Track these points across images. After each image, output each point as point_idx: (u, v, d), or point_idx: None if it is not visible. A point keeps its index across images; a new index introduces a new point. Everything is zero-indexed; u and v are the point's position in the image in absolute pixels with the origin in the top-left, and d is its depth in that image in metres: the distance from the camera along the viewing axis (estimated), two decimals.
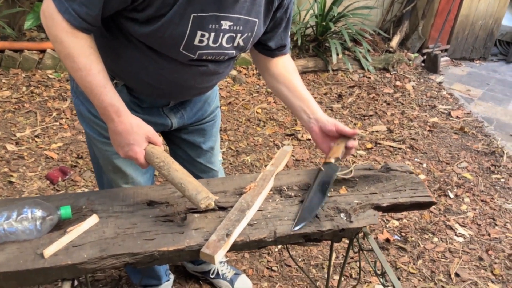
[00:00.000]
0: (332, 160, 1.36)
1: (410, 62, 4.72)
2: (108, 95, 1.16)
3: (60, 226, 1.15)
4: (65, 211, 1.16)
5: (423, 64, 4.72)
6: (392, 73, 4.49)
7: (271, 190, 1.35)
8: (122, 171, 1.49)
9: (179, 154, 1.66)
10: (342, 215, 1.27)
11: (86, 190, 2.55)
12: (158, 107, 1.43)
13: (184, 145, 1.63)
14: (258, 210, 1.26)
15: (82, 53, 1.13)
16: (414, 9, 4.97)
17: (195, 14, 1.13)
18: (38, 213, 1.11)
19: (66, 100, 3.35)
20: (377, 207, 1.33)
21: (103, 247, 1.10)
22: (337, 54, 4.29)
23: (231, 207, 1.25)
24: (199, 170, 1.69)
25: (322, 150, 1.42)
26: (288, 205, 1.29)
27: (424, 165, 3.13)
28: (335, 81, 4.28)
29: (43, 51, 3.72)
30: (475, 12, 4.83)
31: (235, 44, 1.27)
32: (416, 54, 4.84)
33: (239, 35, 1.25)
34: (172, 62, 1.24)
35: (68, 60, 1.14)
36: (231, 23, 1.21)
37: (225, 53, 1.28)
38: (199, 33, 1.17)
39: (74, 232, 1.13)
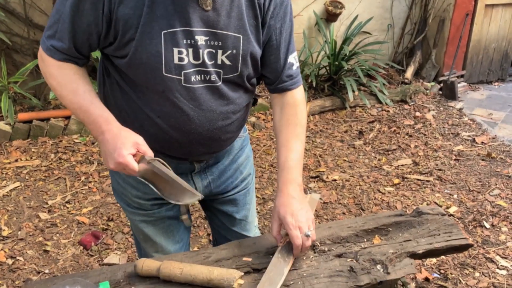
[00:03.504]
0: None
1: (427, 91, 4.72)
2: (96, 109, 1.19)
3: None
4: (104, 286, 1.17)
5: (440, 92, 4.71)
6: (410, 104, 4.48)
7: None
8: (151, 240, 1.49)
9: (215, 221, 1.63)
10: (378, 266, 1.25)
11: (119, 252, 2.57)
12: (184, 173, 1.40)
13: (218, 214, 1.58)
14: (293, 269, 1.25)
15: (69, 79, 1.21)
16: (425, 39, 5.01)
17: (165, 31, 1.13)
18: None
19: (93, 163, 3.44)
20: (413, 255, 1.31)
21: None
22: (353, 91, 4.32)
23: (265, 268, 1.24)
24: (234, 237, 1.60)
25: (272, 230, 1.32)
26: (323, 261, 1.28)
27: (455, 196, 3.06)
28: (354, 117, 4.29)
29: (68, 118, 3.86)
30: (487, 36, 4.85)
31: (218, 61, 1.21)
32: (433, 83, 4.84)
33: (220, 51, 1.20)
34: (162, 101, 1.21)
35: (57, 90, 1.22)
36: (207, 38, 1.17)
37: (210, 71, 1.21)
38: (175, 50, 1.15)
39: None
